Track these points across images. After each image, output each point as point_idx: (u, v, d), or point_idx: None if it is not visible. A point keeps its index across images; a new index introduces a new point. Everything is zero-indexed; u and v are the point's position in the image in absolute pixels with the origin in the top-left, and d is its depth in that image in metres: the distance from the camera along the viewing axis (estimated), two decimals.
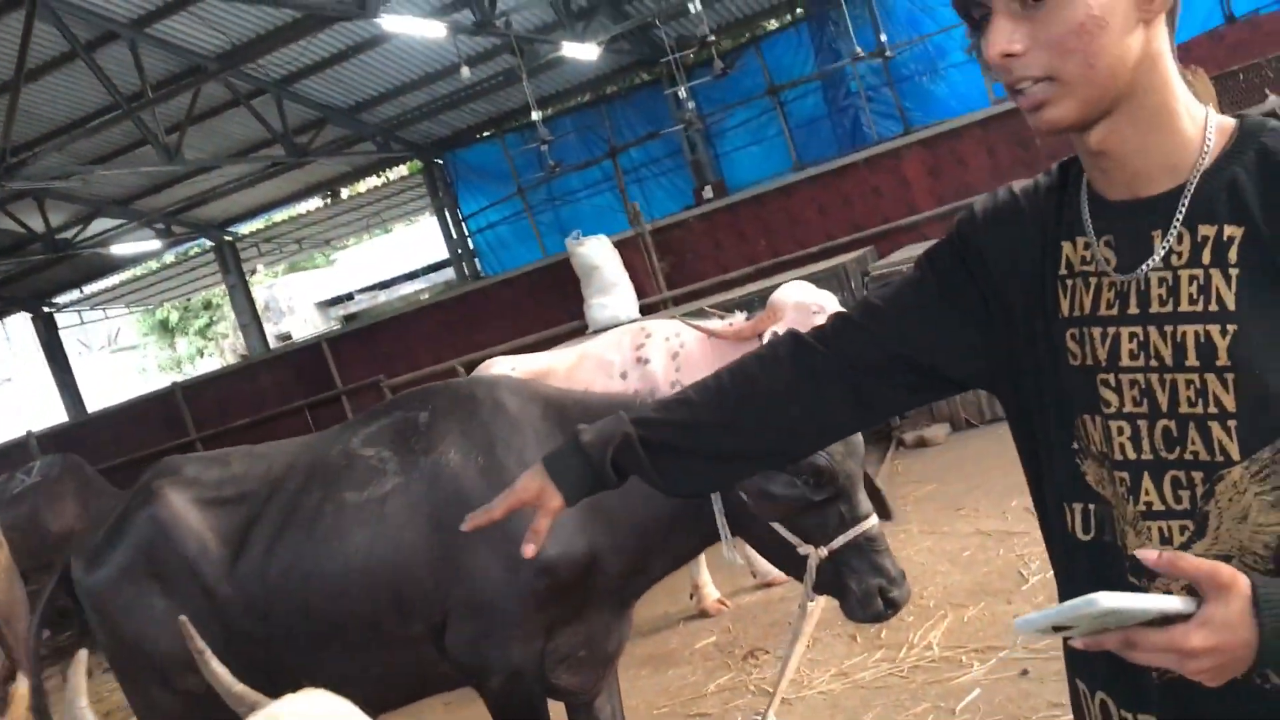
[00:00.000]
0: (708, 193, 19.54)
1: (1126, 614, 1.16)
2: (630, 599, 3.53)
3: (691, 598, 5.78)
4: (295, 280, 33.81)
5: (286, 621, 3.33)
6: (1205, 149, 1.31)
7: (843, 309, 1.80)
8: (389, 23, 11.15)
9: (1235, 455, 1.28)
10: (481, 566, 3.26)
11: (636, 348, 5.34)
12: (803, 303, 4.99)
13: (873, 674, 4.47)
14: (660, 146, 22.12)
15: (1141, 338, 1.33)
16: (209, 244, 22.09)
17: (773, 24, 21.57)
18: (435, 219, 22.96)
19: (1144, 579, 1.35)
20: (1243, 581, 1.16)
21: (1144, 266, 1.33)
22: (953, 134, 8.92)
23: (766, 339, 4.84)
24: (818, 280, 7.62)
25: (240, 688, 1.79)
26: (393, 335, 11.88)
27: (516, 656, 3.30)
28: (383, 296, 31.33)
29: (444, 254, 23.85)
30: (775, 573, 5.84)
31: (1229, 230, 1.28)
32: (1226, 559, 1.28)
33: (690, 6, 12.68)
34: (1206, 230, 1.29)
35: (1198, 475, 1.31)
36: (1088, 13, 1.25)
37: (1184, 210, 1.31)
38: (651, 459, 1.66)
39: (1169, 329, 1.31)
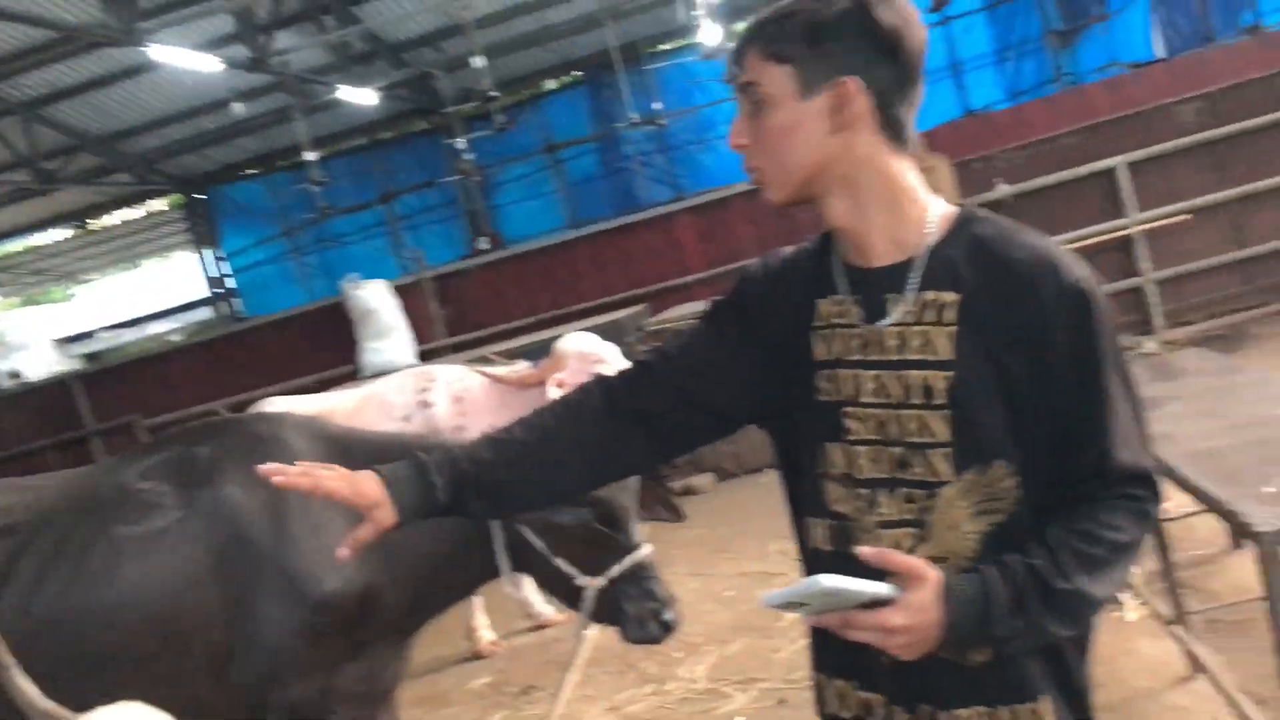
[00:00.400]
0: (483, 243, 19.68)
1: (844, 595, 1.44)
2: (410, 632, 3.56)
3: (466, 639, 5.83)
4: (28, 314, 31.48)
5: (55, 653, 3.22)
6: (928, 230, 1.61)
7: (634, 359, 2.01)
8: (157, 53, 10.73)
9: (948, 476, 1.58)
10: (261, 603, 3.23)
11: (420, 391, 5.40)
12: (586, 353, 5.21)
13: (643, 706, 4.68)
14: (436, 195, 22.12)
15: (880, 379, 1.61)
16: None
17: (552, 84, 22.10)
18: (192, 255, 21.99)
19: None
20: (934, 575, 1.48)
21: (881, 322, 1.62)
22: (721, 203, 9.45)
23: (550, 387, 5.02)
24: (597, 333, 7.91)
25: (49, 703, 1.78)
26: (150, 374, 11.33)
27: (295, 694, 3.28)
28: (128, 335, 29.56)
29: (199, 292, 22.82)
30: (549, 613, 6.00)
31: (948, 296, 1.58)
32: (944, 560, 1.56)
33: (473, 62, 12.85)
34: (930, 296, 1.59)
35: (921, 492, 1.59)
36: (779, 124, 1.59)
37: (915, 280, 1.60)
38: (479, 490, 1.80)
39: (900, 373, 1.60)
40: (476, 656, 5.75)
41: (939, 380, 1.57)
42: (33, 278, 23.85)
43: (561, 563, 3.17)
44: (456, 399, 5.35)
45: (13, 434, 11.23)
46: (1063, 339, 1.53)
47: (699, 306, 8.39)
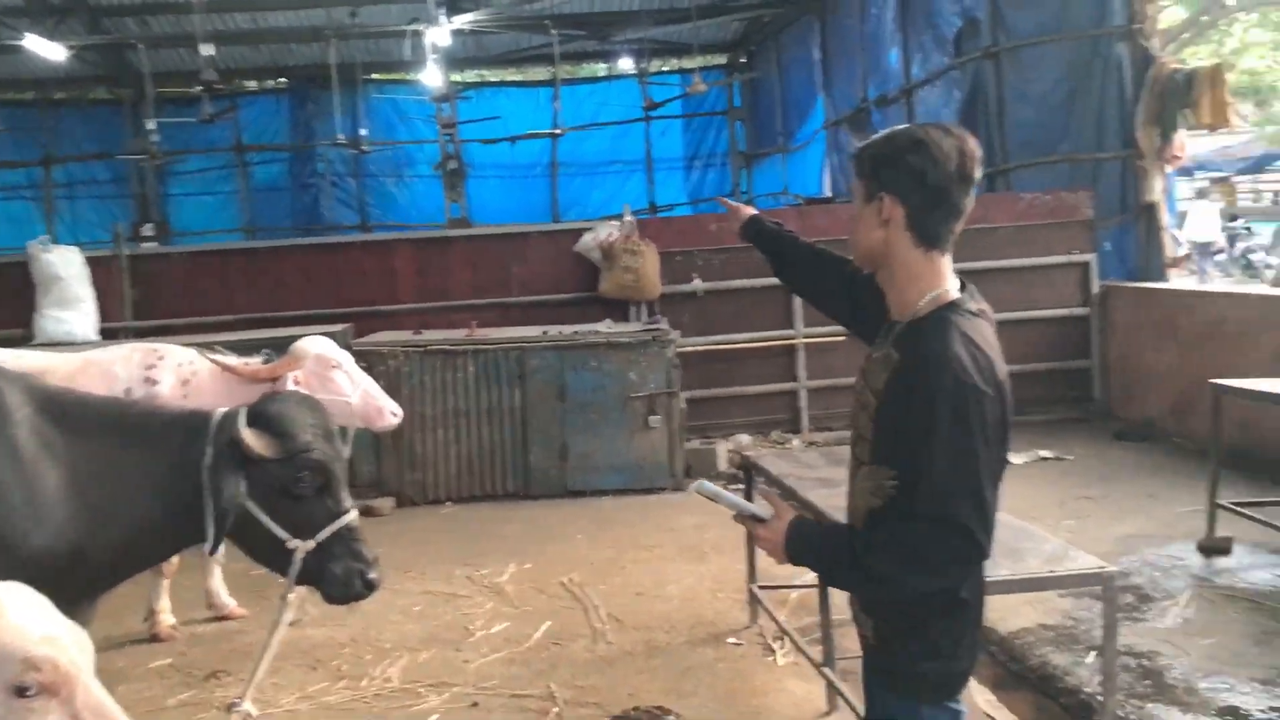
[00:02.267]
0: (147, 229, 18.63)
1: (724, 501, 2.47)
2: (107, 589, 3.47)
3: (145, 620, 5.73)
4: None
5: None
6: (919, 307, 2.31)
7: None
8: None
9: (866, 461, 2.35)
10: None
11: (146, 367, 5.33)
12: (324, 355, 5.41)
13: (338, 699, 4.88)
14: (104, 169, 20.76)
15: (863, 386, 2.40)
16: None
17: (254, 85, 21.50)
18: None
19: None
20: (791, 513, 2.36)
21: (871, 354, 2.43)
22: (444, 242, 9.82)
23: (285, 383, 5.16)
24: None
25: None
26: None
27: None
28: None
29: None
30: (232, 605, 6.03)
31: (894, 355, 2.31)
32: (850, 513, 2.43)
33: (203, 49, 12.49)
34: (892, 352, 2.32)
35: (855, 465, 2.41)
36: (856, 215, 2.40)
37: (889, 338, 2.36)
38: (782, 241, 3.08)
39: (865, 388, 2.39)
40: (154, 639, 5.67)
41: (873, 402, 2.33)
42: None
43: (273, 526, 3.27)
44: (183, 381, 5.34)
45: None
46: (918, 408, 2.18)
47: (405, 335, 8.68)
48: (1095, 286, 10.08)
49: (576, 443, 8.29)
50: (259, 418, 3.27)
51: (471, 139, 20.04)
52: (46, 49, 15.61)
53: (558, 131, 18.59)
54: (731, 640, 5.33)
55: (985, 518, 2.18)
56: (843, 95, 15.93)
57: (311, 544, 3.28)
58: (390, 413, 5.38)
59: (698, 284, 9.60)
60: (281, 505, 3.30)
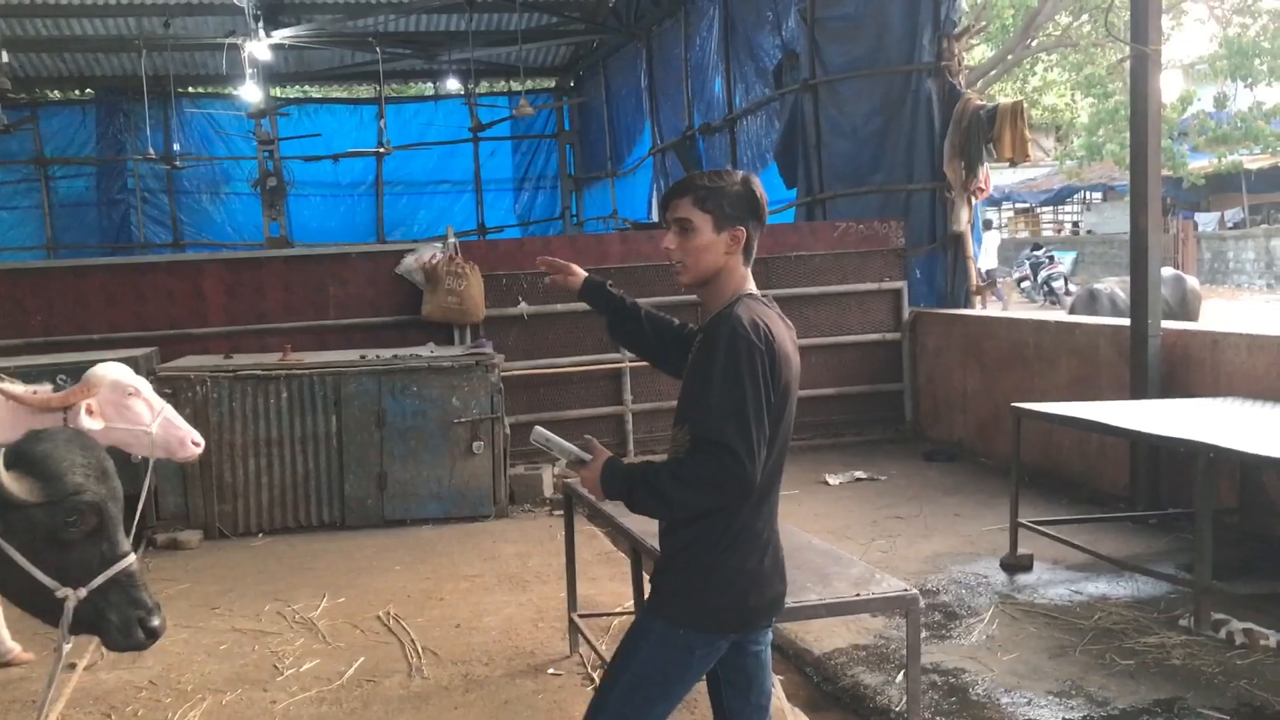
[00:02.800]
0: None
1: (555, 446, 2.77)
2: None
3: None
4: None
5: None
6: (724, 303, 2.79)
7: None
8: None
9: (677, 425, 2.78)
10: None
11: None
12: (120, 382, 5.09)
13: None
14: None
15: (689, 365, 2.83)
16: None
17: (57, 94, 20.34)
18: None
19: None
20: (604, 456, 2.73)
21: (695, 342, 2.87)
22: (256, 263, 9.42)
23: (83, 415, 4.85)
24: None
25: None
26: None
27: None
28: None
29: None
30: (17, 650, 5.61)
31: (698, 336, 2.84)
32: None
33: None
34: (701, 335, 2.82)
35: (676, 429, 2.80)
36: (700, 244, 2.81)
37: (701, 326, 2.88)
38: (624, 308, 3.29)
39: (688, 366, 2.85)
40: None
41: (683, 375, 2.86)
42: None
43: (38, 574, 3.00)
44: None
45: None
46: (704, 362, 2.67)
47: (215, 360, 8.30)
48: (906, 312, 10.47)
49: (395, 471, 8.08)
50: (20, 458, 3.00)
51: (293, 156, 19.52)
52: None
53: (383, 150, 18.22)
54: (551, 671, 5.25)
55: (749, 443, 2.59)
56: (669, 122, 16.15)
57: (83, 592, 3.03)
58: (192, 442, 5.11)
59: (523, 307, 9.52)
60: (49, 551, 3.01)
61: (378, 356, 8.29)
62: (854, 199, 11.32)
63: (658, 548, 2.94)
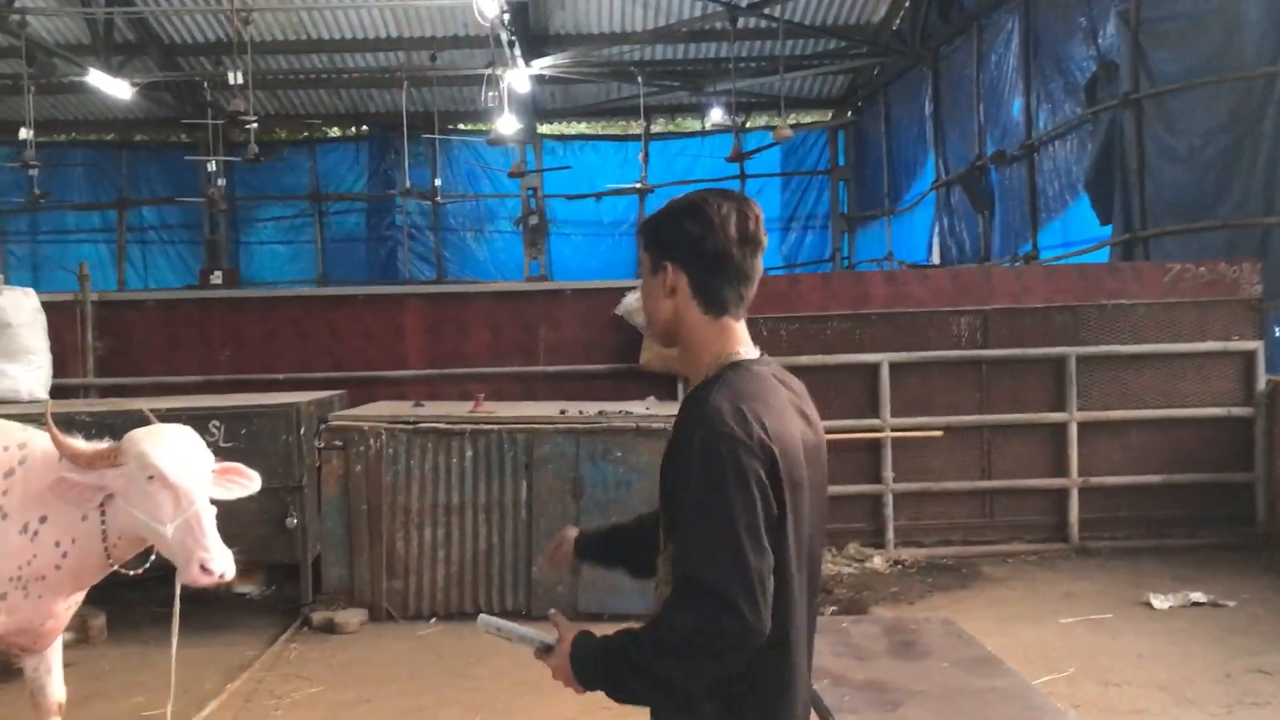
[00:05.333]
0: (216, 277, 17.85)
1: (509, 632, 2.18)
2: None
3: None
4: None
5: None
6: (706, 373, 2.12)
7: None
8: None
9: (662, 544, 2.13)
10: None
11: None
12: (145, 457, 3.65)
13: None
14: (178, 214, 20.14)
15: None
16: None
17: (335, 131, 20.68)
18: None
19: None
20: (570, 635, 2.07)
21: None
22: (460, 298, 8.35)
23: (108, 475, 3.62)
24: (261, 416, 6.57)
25: None
26: None
27: None
28: None
29: None
30: None
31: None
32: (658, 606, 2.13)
33: (231, 76, 11.42)
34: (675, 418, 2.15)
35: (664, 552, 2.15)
36: (644, 289, 2.26)
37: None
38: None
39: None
40: None
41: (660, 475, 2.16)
42: None
43: None
44: (6, 471, 3.89)
45: None
46: (679, 470, 2.01)
47: (394, 408, 7.18)
48: (1262, 381, 8.11)
49: None
50: None
51: (555, 194, 19.02)
52: (111, 86, 14.88)
53: (643, 188, 17.22)
54: None
55: (745, 581, 1.88)
56: (955, 152, 14.29)
57: None
58: (201, 567, 3.66)
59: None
60: None
61: (580, 412, 6.93)
62: (1189, 236, 9.10)
63: None
